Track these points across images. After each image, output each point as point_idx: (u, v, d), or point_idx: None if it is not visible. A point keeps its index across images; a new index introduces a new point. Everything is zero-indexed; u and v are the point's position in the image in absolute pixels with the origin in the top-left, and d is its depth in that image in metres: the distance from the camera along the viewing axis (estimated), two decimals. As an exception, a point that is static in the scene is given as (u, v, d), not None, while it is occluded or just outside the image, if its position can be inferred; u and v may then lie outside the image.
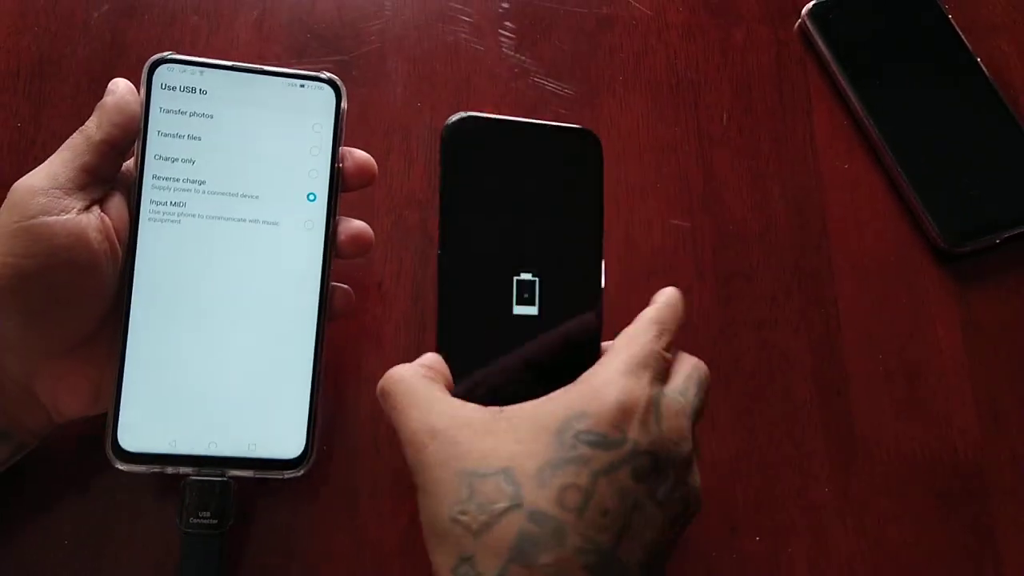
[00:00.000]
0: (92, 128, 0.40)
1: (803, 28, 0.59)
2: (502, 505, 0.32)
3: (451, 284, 0.39)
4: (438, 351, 0.39)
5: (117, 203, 0.42)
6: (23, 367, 0.39)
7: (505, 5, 0.59)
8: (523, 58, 0.58)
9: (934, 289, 0.53)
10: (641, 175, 0.55)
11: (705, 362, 0.50)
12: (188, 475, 0.42)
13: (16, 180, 0.52)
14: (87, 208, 0.39)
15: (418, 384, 0.37)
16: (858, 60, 0.57)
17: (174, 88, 0.43)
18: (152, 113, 0.43)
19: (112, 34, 0.57)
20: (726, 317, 0.51)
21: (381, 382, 0.38)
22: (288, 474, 0.43)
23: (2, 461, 0.40)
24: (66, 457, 0.45)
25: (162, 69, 0.43)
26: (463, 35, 0.58)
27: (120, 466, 0.42)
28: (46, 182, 0.38)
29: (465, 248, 0.40)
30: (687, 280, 0.52)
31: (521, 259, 0.40)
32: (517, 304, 0.40)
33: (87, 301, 0.40)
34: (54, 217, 0.37)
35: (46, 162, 0.39)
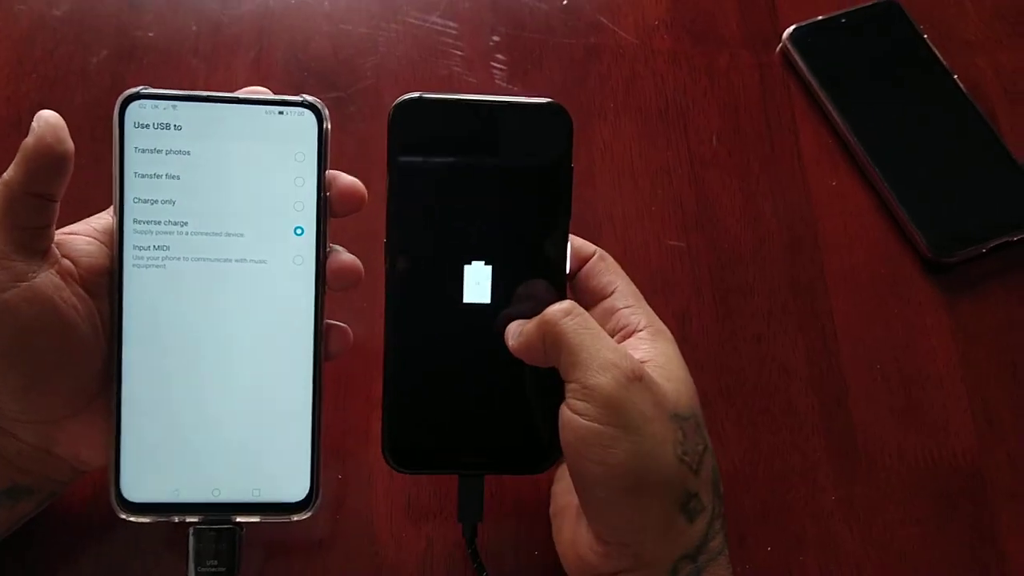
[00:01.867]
0: (11, 177, 0.35)
1: (784, 52, 0.61)
2: (701, 446, 0.37)
3: (397, 275, 0.39)
4: (384, 344, 0.39)
5: (79, 242, 0.39)
6: (34, 435, 0.38)
7: (496, 38, 0.61)
8: (515, 88, 0.59)
9: (925, 299, 0.54)
10: (636, 198, 0.56)
11: (707, 376, 0.52)
12: (194, 523, 0.41)
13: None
14: (41, 264, 0.36)
15: (590, 319, 0.37)
16: (839, 81, 0.59)
17: (147, 126, 0.41)
18: (127, 154, 0.41)
19: (111, 79, 0.58)
20: (725, 332, 0.53)
21: (541, 318, 0.37)
22: (296, 517, 0.42)
23: (29, 512, 0.40)
24: (82, 506, 0.45)
25: (133, 106, 0.41)
26: (456, 68, 0.60)
27: (125, 517, 0.41)
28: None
29: (412, 237, 0.39)
30: (685, 298, 0.53)
31: (473, 246, 0.39)
32: (468, 294, 0.39)
33: (75, 361, 0.38)
34: (10, 291, 0.34)
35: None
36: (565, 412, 0.36)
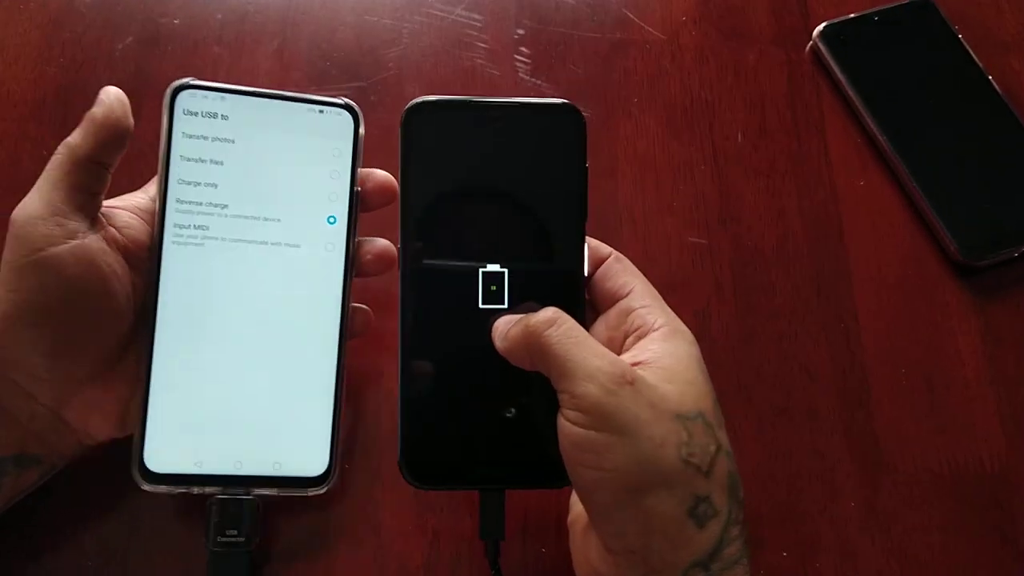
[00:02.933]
0: (78, 143, 0.38)
1: (815, 49, 0.60)
2: (713, 447, 0.35)
3: (411, 281, 0.38)
4: (400, 354, 0.38)
5: (122, 215, 0.42)
6: (52, 396, 0.39)
7: (520, 31, 0.60)
8: (539, 82, 0.59)
9: (953, 302, 0.53)
10: (658, 194, 0.55)
11: (726, 374, 0.50)
12: (214, 495, 0.42)
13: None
14: (91, 227, 0.39)
15: (576, 327, 0.36)
16: (870, 79, 0.58)
17: (196, 113, 0.44)
18: (175, 138, 0.43)
19: (136, 64, 0.58)
20: (746, 330, 0.52)
21: (524, 327, 0.36)
22: (312, 491, 0.43)
23: (32, 483, 0.41)
24: (90, 478, 0.45)
25: (184, 95, 0.44)
26: (479, 61, 0.59)
27: (147, 487, 0.42)
28: (45, 209, 0.37)
29: (425, 242, 0.38)
30: (706, 295, 0.52)
31: (488, 250, 0.38)
32: (484, 299, 0.38)
33: (106, 325, 0.40)
34: (61, 246, 0.37)
35: (37, 186, 0.38)
36: (560, 421, 0.35)
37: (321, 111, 0.45)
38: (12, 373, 0.38)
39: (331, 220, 0.44)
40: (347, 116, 0.45)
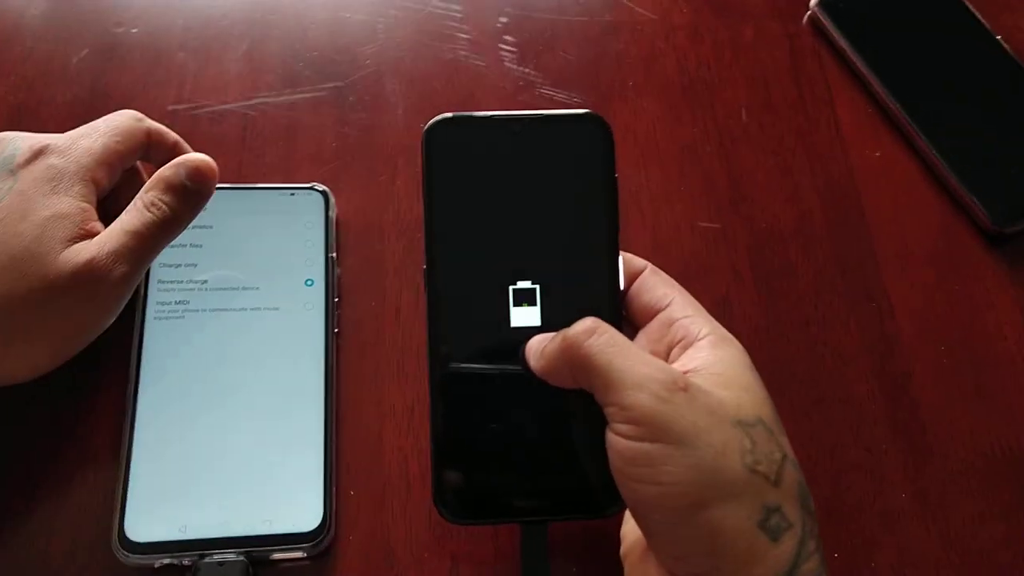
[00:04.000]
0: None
1: (814, 20, 0.57)
2: (778, 454, 0.32)
3: (439, 302, 0.36)
4: (430, 379, 0.36)
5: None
6: None
7: (503, 20, 0.57)
8: (527, 70, 0.55)
9: (987, 273, 0.50)
10: (663, 179, 0.52)
11: (755, 366, 0.47)
12: (198, 560, 0.39)
13: None
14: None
15: (618, 335, 0.33)
16: (876, 46, 0.55)
17: None
18: None
19: (93, 78, 0.54)
20: (770, 318, 0.48)
21: (562, 340, 0.33)
22: (308, 548, 0.40)
23: None
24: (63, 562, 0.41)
25: None
26: (462, 52, 0.56)
27: (128, 560, 0.39)
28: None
29: (454, 261, 0.36)
30: (724, 282, 0.49)
31: (518, 266, 0.36)
32: (516, 318, 0.36)
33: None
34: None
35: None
36: (609, 437, 0.32)
37: (292, 194, 0.48)
38: None
39: (308, 283, 0.46)
40: (317, 195, 0.48)
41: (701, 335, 0.36)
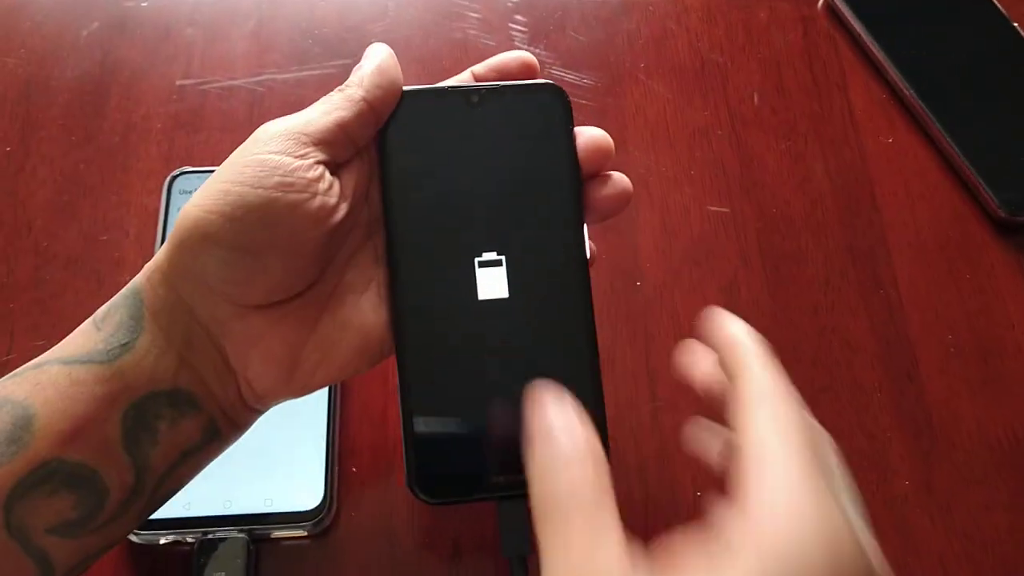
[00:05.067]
0: (353, 87, 0.34)
1: (829, 3, 0.56)
2: None
3: (403, 276, 0.35)
4: (397, 357, 0.34)
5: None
6: (212, 314, 0.33)
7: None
8: (538, 50, 0.55)
9: (998, 261, 0.49)
10: (673, 162, 0.51)
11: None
12: (201, 537, 0.40)
13: (6, 205, 0.49)
14: (325, 165, 0.33)
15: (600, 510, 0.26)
16: (891, 31, 0.54)
17: None
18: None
19: (103, 52, 0.54)
20: (778, 303, 0.48)
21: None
22: (308, 527, 0.41)
23: (192, 443, 0.33)
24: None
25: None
26: (471, 31, 0.55)
27: (136, 538, 0.40)
28: (297, 126, 0.33)
29: (413, 236, 0.35)
30: (732, 267, 0.48)
31: (482, 238, 0.35)
32: (483, 289, 0.35)
33: (298, 253, 0.33)
34: (292, 159, 0.32)
35: (302, 111, 0.34)
36: None
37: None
38: (180, 279, 0.32)
39: None
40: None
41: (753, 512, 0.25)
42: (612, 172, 0.36)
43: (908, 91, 0.52)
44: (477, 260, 0.35)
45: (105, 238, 0.48)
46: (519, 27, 0.56)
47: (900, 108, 0.53)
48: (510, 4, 0.56)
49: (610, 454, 0.31)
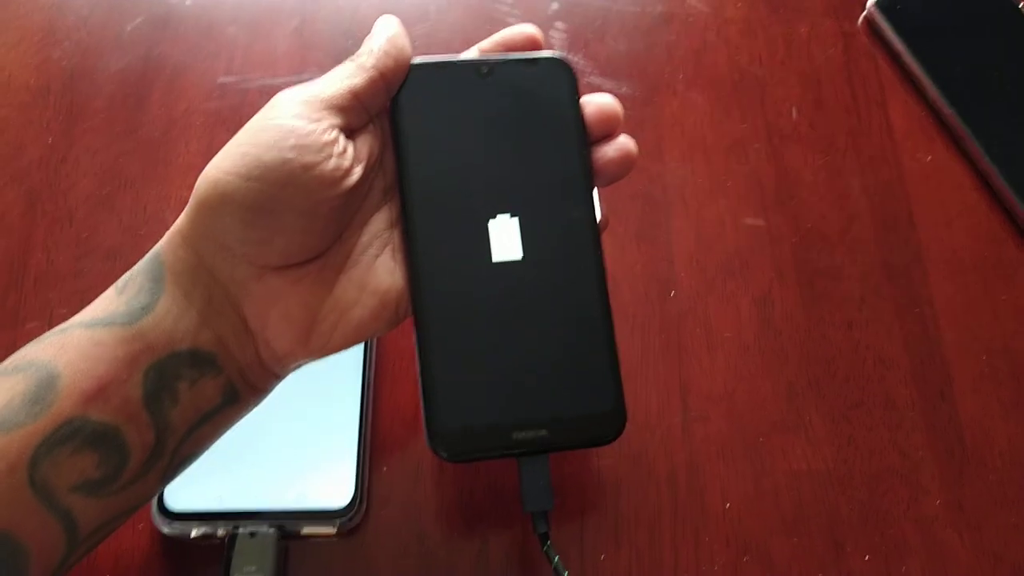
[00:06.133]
0: (364, 55, 0.35)
1: (870, 20, 0.56)
2: None
3: (419, 241, 0.35)
4: (415, 320, 0.35)
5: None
6: (231, 275, 0.34)
7: (555, 6, 0.57)
8: (577, 58, 0.55)
9: (1035, 283, 0.49)
10: (709, 174, 0.51)
11: (793, 366, 0.46)
12: (231, 531, 0.40)
13: (49, 196, 0.50)
14: (340, 129, 0.34)
15: None
16: (931, 49, 0.54)
17: None
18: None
19: (146, 47, 0.55)
20: (813, 319, 0.47)
21: None
22: (338, 524, 0.41)
23: (212, 405, 0.34)
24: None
25: None
26: (512, 37, 0.55)
27: (166, 529, 0.40)
28: (312, 92, 0.34)
29: (428, 200, 0.35)
30: (766, 281, 0.48)
31: (494, 202, 0.36)
32: (496, 251, 0.35)
33: (314, 213, 0.34)
34: (308, 122, 0.33)
35: (317, 79, 0.35)
36: None
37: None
38: (199, 240, 0.33)
39: None
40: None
41: None
42: (618, 136, 0.37)
43: (947, 109, 0.52)
44: (491, 222, 0.35)
45: (144, 231, 0.49)
46: (559, 33, 0.56)
47: (939, 126, 0.53)
48: (551, 11, 0.57)
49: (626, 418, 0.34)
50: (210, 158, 0.33)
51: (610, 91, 0.54)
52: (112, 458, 0.31)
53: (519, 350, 0.35)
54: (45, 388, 0.31)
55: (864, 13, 0.57)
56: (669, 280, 0.48)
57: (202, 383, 0.33)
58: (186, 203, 0.33)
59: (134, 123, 0.52)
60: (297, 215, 0.33)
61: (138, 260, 0.34)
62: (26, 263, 0.48)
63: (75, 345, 0.32)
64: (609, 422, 0.34)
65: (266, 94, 0.53)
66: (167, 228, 0.34)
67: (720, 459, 0.44)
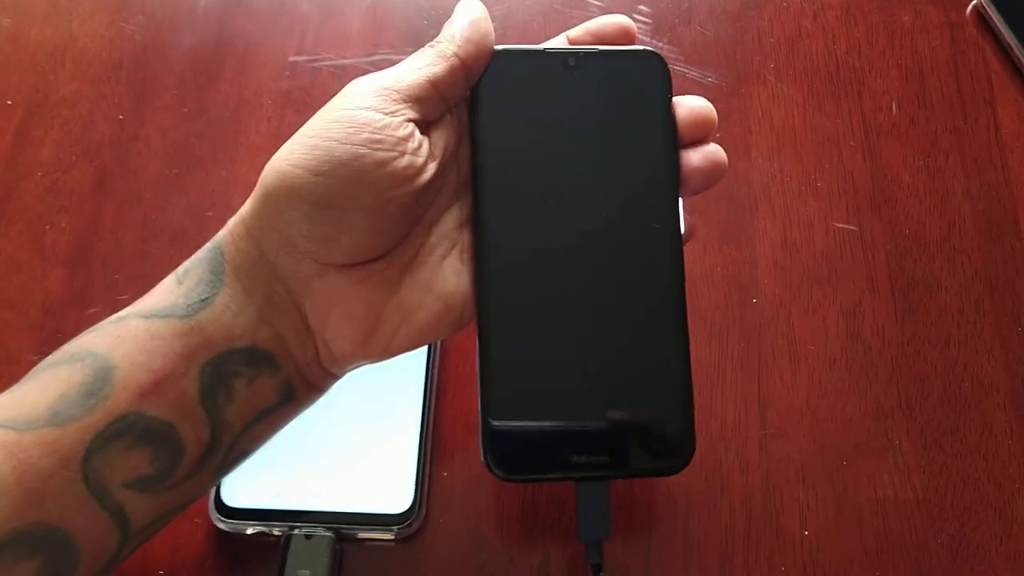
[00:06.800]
0: (445, 42, 0.33)
1: (979, 9, 0.52)
2: None
3: (489, 241, 0.33)
4: (478, 319, 0.33)
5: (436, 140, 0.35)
6: (294, 272, 0.32)
7: (640, -12, 0.54)
8: (661, 44, 0.52)
9: None
10: (799, 172, 0.48)
11: (883, 384, 0.43)
12: (288, 532, 0.39)
13: (118, 174, 0.49)
14: (415, 123, 0.32)
15: None
16: (1048, 43, 0.50)
17: None
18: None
19: (219, 23, 0.54)
20: (907, 333, 0.44)
21: None
22: (396, 530, 0.40)
23: (268, 404, 0.33)
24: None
25: None
26: (593, 20, 0.53)
27: (223, 525, 0.39)
28: (388, 81, 0.32)
29: (502, 200, 0.33)
30: (857, 290, 0.45)
31: (572, 205, 0.33)
32: (570, 259, 0.33)
33: (383, 212, 0.32)
34: (383, 115, 0.31)
35: (393, 67, 0.33)
36: None
37: None
38: (263, 234, 0.32)
39: None
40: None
41: None
42: (708, 143, 0.34)
43: (1064, 110, 0.48)
44: (568, 227, 0.33)
45: (211, 214, 0.48)
46: (643, 18, 0.53)
47: (1053, 128, 0.49)
48: (635, -7, 0.54)
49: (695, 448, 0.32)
50: (279, 141, 0.32)
51: (695, 80, 0.51)
52: (166, 454, 0.31)
53: (586, 368, 0.33)
54: (101, 380, 0.30)
55: (973, 3, 0.53)
56: (751, 286, 0.46)
57: (259, 381, 0.32)
58: (253, 187, 0.32)
59: (205, 102, 0.51)
60: (366, 213, 0.31)
61: (203, 244, 0.33)
62: (93, 244, 0.47)
63: (132, 336, 0.31)
64: (676, 453, 0.32)
65: (337, 75, 0.52)
66: (233, 212, 0.33)
67: (799, 481, 0.42)
